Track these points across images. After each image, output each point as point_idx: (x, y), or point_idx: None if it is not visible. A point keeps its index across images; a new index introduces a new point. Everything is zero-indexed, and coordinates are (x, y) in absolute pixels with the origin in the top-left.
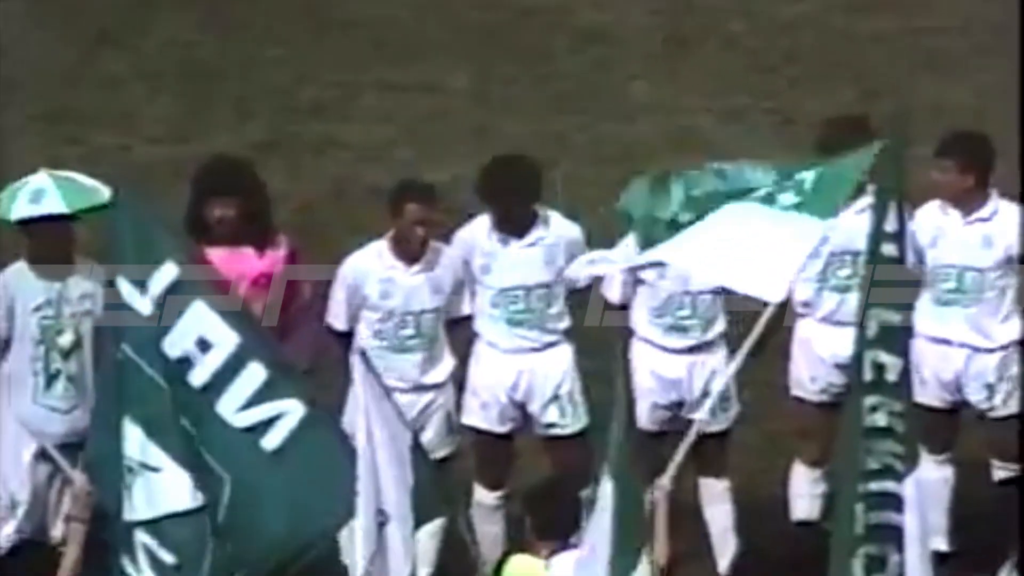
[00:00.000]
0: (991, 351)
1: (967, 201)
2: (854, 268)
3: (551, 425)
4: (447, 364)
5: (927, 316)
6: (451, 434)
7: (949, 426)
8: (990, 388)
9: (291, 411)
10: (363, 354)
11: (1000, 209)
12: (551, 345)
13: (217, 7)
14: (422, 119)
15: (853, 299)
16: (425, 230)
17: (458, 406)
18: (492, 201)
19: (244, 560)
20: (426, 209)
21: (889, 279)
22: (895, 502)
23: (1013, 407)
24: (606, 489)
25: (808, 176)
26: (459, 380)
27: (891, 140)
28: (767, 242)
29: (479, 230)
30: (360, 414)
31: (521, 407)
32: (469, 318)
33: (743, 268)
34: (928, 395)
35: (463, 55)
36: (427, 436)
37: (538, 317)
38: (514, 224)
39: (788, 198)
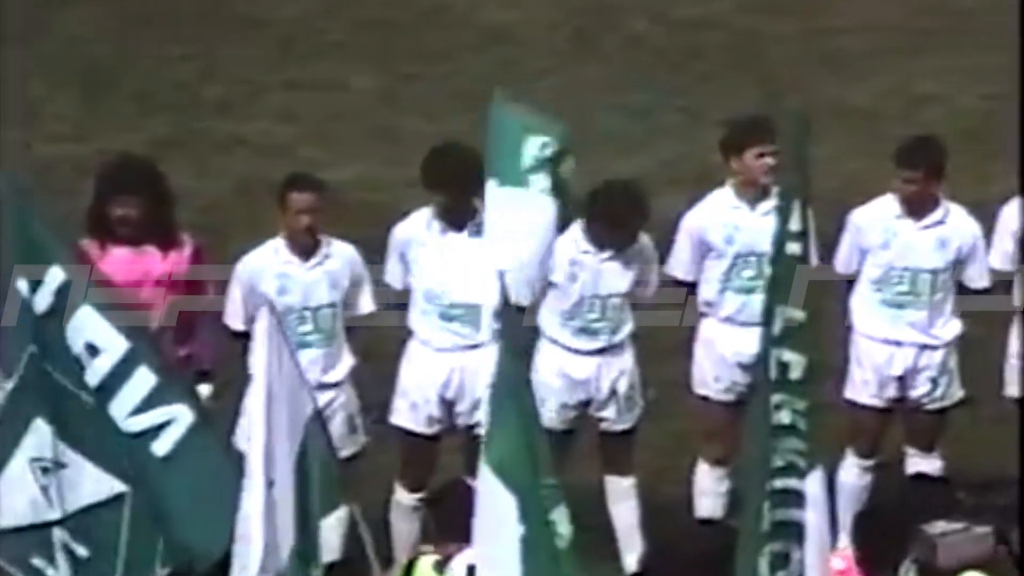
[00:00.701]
0: (936, 348)
1: (923, 205)
2: (758, 269)
3: (476, 424)
4: (346, 363)
5: (876, 317)
6: (353, 434)
7: (881, 425)
8: (934, 381)
9: (180, 417)
10: (272, 307)
11: (951, 210)
12: (484, 343)
13: (120, 4)
14: (327, 118)
15: (756, 300)
16: (311, 219)
17: (364, 408)
18: (435, 189)
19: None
20: (311, 199)
21: (794, 277)
22: (798, 499)
23: (950, 399)
24: (501, 500)
25: None
26: (358, 379)
27: (795, 140)
28: None
29: (417, 223)
30: (261, 370)
31: (450, 407)
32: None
33: None
34: (866, 394)
35: (367, 54)
36: None
37: (470, 314)
38: (455, 214)
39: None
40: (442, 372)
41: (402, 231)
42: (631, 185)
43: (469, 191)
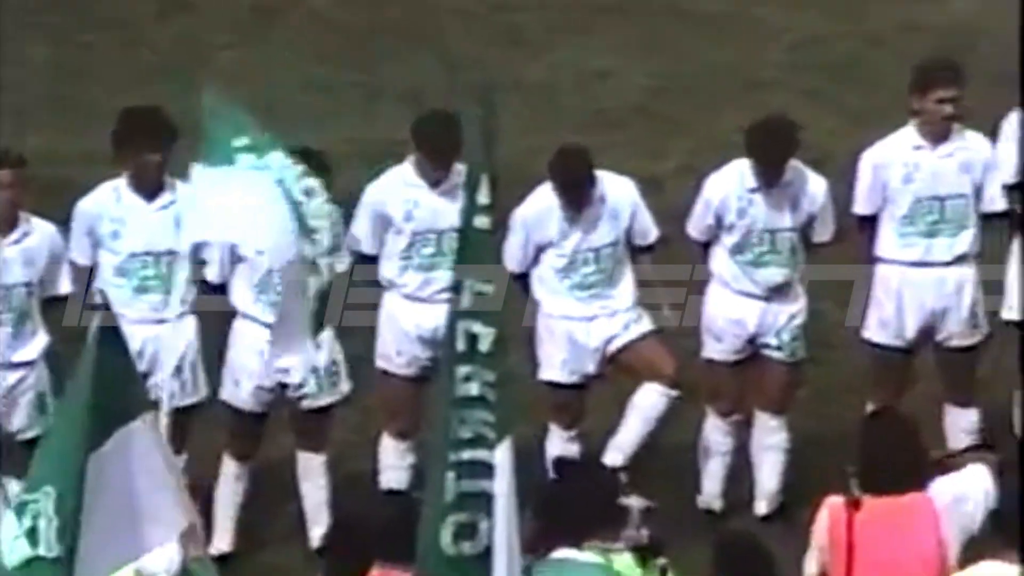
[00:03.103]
0: (627, 311)
1: (587, 187)
2: (438, 246)
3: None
4: (39, 341)
5: (563, 298)
6: (43, 415)
7: (580, 399)
8: None
9: None
10: None
11: (606, 181)
12: (178, 316)
13: None
14: (2, 89)
15: (438, 276)
16: (13, 195)
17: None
18: (125, 153)
19: None
20: (10, 174)
21: (482, 251)
22: (486, 470)
23: None
24: None
25: None
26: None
27: (480, 114)
28: None
29: (105, 195)
30: None
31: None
32: (66, 298)
33: None
34: (562, 373)
35: (41, 23)
36: (17, 417)
37: (165, 284)
38: (146, 181)
39: None
40: (135, 344)
41: (88, 204)
42: (316, 154)
43: (154, 151)
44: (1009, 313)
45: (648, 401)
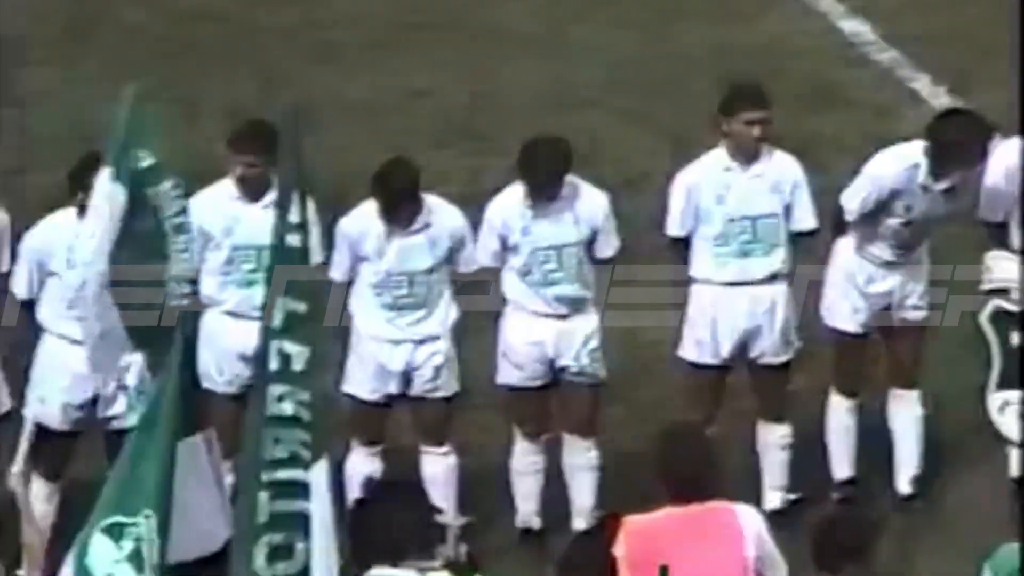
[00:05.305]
0: (436, 339)
1: (409, 219)
2: (258, 262)
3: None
4: None
5: (376, 318)
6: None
7: (381, 417)
8: (437, 370)
9: None
10: None
11: (433, 210)
12: None
13: None
14: None
15: (258, 292)
16: None
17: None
18: None
19: None
20: None
21: (294, 270)
22: (302, 490)
23: (448, 390)
24: None
25: None
26: None
27: (288, 133)
28: None
29: None
30: None
31: None
32: None
33: None
34: (364, 389)
35: None
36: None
37: None
38: None
39: None
40: None
41: None
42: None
43: None
44: (844, 323)
45: (425, 468)
